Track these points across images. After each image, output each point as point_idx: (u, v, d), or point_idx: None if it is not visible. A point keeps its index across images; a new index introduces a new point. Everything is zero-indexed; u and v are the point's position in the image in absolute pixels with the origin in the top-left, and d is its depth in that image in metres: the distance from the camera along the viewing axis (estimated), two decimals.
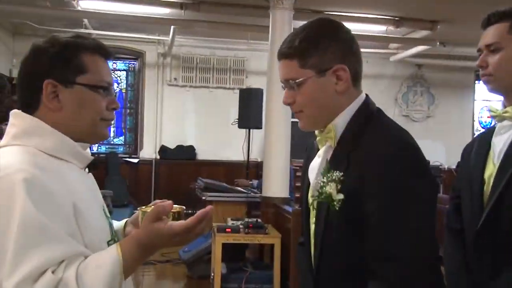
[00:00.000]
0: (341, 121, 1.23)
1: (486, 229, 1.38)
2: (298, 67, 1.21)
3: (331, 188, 1.15)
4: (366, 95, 1.28)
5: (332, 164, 1.21)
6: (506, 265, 1.32)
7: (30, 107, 1.11)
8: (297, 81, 1.21)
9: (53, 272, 0.95)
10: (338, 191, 1.14)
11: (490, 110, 1.46)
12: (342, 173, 1.15)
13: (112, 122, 1.20)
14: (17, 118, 1.11)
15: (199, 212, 1.05)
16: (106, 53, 1.16)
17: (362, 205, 1.13)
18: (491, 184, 1.39)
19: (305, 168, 1.38)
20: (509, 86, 1.40)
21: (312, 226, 1.29)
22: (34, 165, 1.01)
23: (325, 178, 1.17)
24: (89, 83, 1.11)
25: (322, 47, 1.21)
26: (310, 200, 1.30)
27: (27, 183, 0.97)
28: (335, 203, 1.15)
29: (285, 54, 1.24)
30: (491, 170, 1.40)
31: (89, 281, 0.97)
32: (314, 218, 1.27)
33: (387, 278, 1.11)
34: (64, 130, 1.10)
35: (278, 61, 1.28)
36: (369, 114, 1.24)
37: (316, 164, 1.28)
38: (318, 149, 1.31)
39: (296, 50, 1.21)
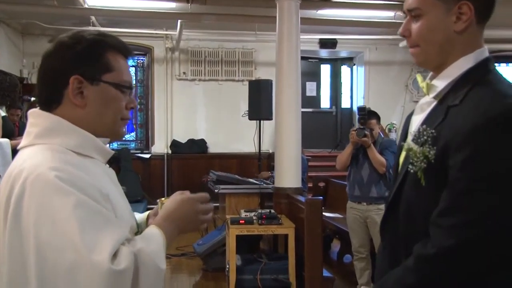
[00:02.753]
0: (448, 76, 1.16)
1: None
2: None
3: (419, 148, 1.11)
4: (488, 57, 1.17)
5: (431, 115, 1.16)
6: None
7: (52, 103, 1.11)
8: (420, 9, 1.16)
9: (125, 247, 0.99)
10: (429, 147, 1.10)
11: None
12: (433, 130, 1.10)
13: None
14: (37, 117, 1.11)
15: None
16: (128, 52, 1.18)
17: (448, 160, 1.06)
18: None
19: (406, 125, 1.33)
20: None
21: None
22: (64, 162, 1.02)
23: (416, 138, 1.14)
24: (114, 81, 1.12)
25: None
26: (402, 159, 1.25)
27: (62, 179, 0.98)
28: (420, 163, 1.10)
29: None
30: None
31: (151, 250, 1.03)
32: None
33: (434, 241, 1.06)
34: (85, 127, 1.10)
35: None
36: (482, 75, 1.13)
37: (418, 119, 1.23)
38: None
39: None
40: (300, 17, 4.90)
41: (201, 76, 8.14)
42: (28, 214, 0.96)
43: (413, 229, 1.17)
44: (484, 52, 1.17)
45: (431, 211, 1.09)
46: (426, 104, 1.22)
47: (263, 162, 6.51)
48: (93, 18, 6.86)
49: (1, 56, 6.55)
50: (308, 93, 8.67)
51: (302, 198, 4.30)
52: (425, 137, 1.11)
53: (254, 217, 4.24)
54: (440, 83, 1.18)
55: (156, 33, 7.84)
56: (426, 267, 1.08)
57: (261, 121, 6.25)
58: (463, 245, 1.03)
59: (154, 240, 1.07)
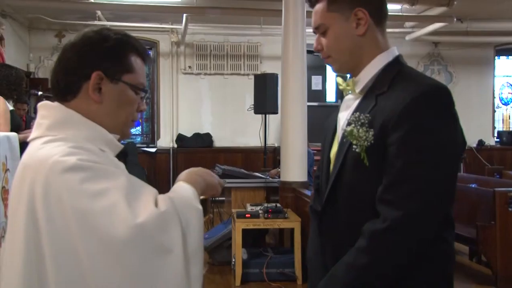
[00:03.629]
0: (369, 73, 1.27)
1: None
2: (326, 11, 1.27)
3: (359, 129, 1.18)
4: (400, 54, 1.30)
5: (360, 106, 1.25)
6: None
7: (68, 94, 1.11)
8: (324, 24, 1.28)
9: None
10: (367, 129, 1.18)
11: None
12: (368, 114, 1.19)
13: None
14: (48, 109, 1.11)
15: None
16: (148, 58, 1.22)
17: (386, 139, 1.15)
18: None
19: (326, 128, 1.42)
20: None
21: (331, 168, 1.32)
22: (79, 148, 1.02)
23: (353, 122, 1.20)
24: (132, 82, 1.15)
25: None
26: (334, 150, 1.32)
27: (85, 160, 0.98)
28: (363, 142, 1.17)
29: None
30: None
31: (183, 195, 1.07)
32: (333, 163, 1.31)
33: (384, 216, 1.12)
34: (97, 122, 1.11)
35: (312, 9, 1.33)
36: (400, 67, 1.26)
37: (345, 115, 1.30)
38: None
39: None
40: (306, 10, 4.88)
41: (206, 70, 8.14)
42: (61, 201, 0.95)
43: (357, 213, 1.21)
44: (395, 50, 1.30)
45: (375, 191, 1.16)
46: (351, 100, 1.32)
47: (268, 156, 6.51)
48: (99, 12, 6.87)
49: (8, 51, 6.57)
50: (313, 87, 8.64)
51: (308, 192, 4.30)
52: (362, 121, 1.20)
53: (260, 211, 4.25)
54: (363, 79, 1.28)
55: (161, 27, 7.84)
56: (380, 243, 1.12)
57: (267, 115, 6.25)
58: (412, 215, 1.10)
59: (181, 189, 1.10)
